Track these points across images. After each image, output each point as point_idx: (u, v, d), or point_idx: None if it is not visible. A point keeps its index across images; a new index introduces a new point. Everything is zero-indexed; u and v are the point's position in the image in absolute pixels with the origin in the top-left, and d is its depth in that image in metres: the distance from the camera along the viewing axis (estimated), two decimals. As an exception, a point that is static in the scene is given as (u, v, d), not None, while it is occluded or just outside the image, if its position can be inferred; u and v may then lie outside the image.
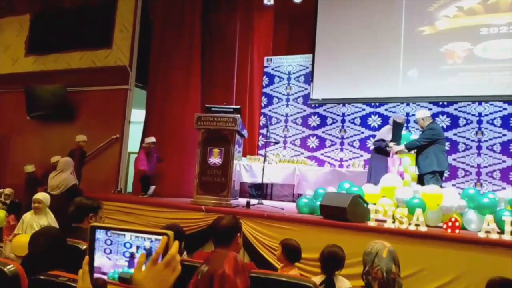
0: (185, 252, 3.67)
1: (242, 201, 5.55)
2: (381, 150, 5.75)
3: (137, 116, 7.87)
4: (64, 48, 8.40)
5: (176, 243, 0.94)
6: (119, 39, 7.97)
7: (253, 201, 5.71)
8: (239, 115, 5.35)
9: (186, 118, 6.79)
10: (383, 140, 5.77)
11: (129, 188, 7.32)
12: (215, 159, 5.26)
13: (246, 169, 7.19)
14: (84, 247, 2.52)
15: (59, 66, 8.43)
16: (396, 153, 5.64)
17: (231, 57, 8.10)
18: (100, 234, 1.04)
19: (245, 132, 5.99)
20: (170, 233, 0.95)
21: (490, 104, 6.91)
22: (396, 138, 5.77)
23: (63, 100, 7.92)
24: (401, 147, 5.56)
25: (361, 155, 7.67)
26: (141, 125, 7.54)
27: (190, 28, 7.55)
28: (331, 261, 3.03)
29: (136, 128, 7.69)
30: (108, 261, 1.03)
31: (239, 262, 1.94)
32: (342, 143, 7.94)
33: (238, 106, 5.86)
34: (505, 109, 6.83)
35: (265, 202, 6.06)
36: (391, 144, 5.67)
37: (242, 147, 6.32)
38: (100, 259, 1.04)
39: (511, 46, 6.49)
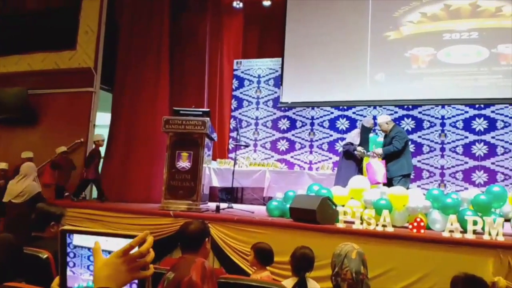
0: None
1: (212, 205, 5.49)
2: (350, 154, 5.82)
3: (103, 119, 7.66)
4: (25, 49, 8.08)
5: (149, 241, 0.88)
6: (83, 40, 7.74)
7: (223, 205, 5.66)
8: (208, 118, 5.29)
9: (155, 121, 6.66)
10: (352, 144, 5.85)
11: (94, 194, 7.09)
12: (184, 163, 5.17)
13: (216, 173, 7.13)
14: (45, 256, 2.41)
15: (20, 68, 8.10)
16: (375, 156, 5.59)
17: (201, 59, 8.04)
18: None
19: (214, 135, 5.93)
20: (146, 232, 0.91)
21: (453, 107, 7.17)
22: (363, 141, 5.86)
23: (25, 103, 7.60)
24: (380, 150, 5.56)
25: (330, 158, 7.78)
26: (107, 128, 7.33)
27: (158, 30, 7.44)
28: (303, 263, 3.03)
29: (101, 131, 7.46)
30: (72, 274, 0.99)
31: (207, 268, 1.89)
32: (311, 146, 8.02)
33: (207, 109, 5.80)
34: (466, 112, 7.09)
35: (236, 206, 6.02)
36: (359, 148, 5.75)
37: (212, 151, 6.26)
38: None
39: (472, 52, 6.77)
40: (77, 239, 0.98)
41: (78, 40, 7.78)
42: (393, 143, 5.38)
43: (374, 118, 7.33)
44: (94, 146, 6.58)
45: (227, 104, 8.57)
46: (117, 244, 0.91)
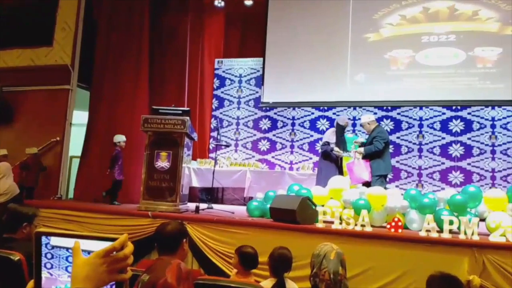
0: None
1: (192, 206, 5.43)
2: (328, 154, 5.84)
3: (79, 118, 7.50)
4: (0, 45, 7.85)
5: (130, 246, 0.85)
6: (60, 37, 7.57)
7: (203, 205, 5.61)
8: (188, 117, 5.22)
9: (133, 120, 6.56)
10: (328, 143, 5.88)
11: (71, 194, 6.95)
12: (163, 163, 5.10)
13: (196, 173, 7.07)
14: (17, 258, 2.33)
15: (-5, 64, 7.88)
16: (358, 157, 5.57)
17: (182, 58, 7.96)
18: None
19: (195, 135, 5.87)
20: (126, 235, 0.88)
21: (430, 109, 7.29)
22: (339, 140, 5.88)
23: (0, 101, 7.39)
24: (361, 149, 5.58)
25: (310, 158, 7.81)
26: (84, 127, 7.19)
27: (138, 28, 7.33)
28: (282, 263, 3.01)
29: (78, 130, 7.32)
30: (49, 276, 0.94)
31: (183, 270, 1.86)
32: (292, 146, 8.04)
33: (187, 108, 5.73)
34: (443, 113, 7.23)
35: (216, 206, 5.98)
36: (336, 148, 5.78)
37: (192, 150, 6.20)
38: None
39: (449, 54, 6.90)
40: (55, 239, 0.93)
41: (55, 37, 7.62)
42: (374, 143, 5.40)
43: (354, 119, 7.41)
44: (115, 147, 6.29)
45: (208, 103, 8.51)
46: (95, 247, 0.87)
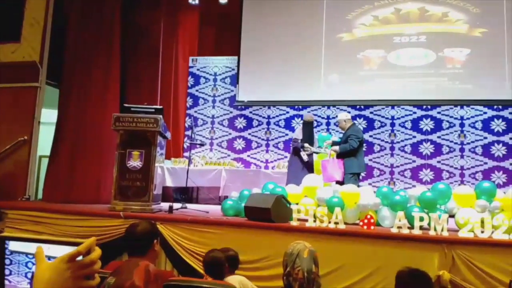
0: None
1: (165, 205, 5.34)
2: (298, 150, 5.89)
3: (48, 116, 7.26)
4: (-37, 40, 7.51)
5: (98, 250, 0.81)
6: (28, 32, 7.29)
7: (177, 205, 5.53)
8: (161, 116, 5.13)
9: (105, 118, 6.39)
10: (297, 140, 5.93)
11: (40, 195, 6.71)
12: (135, 162, 4.99)
13: (170, 172, 6.97)
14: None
15: (-43, 60, 7.51)
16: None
17: (155, 56, 7.82)
18: None
19: (168, 133, 5.78)
20: (94, 239, 0.84)
21: (402, 108, 7.44)
22: (306, 137, 5.93)
23: (-39, 98, 7.07)
24: (336, 147, 5.59)
25: (286, 157, 7.83)
26: (53, 126, 6.96)
27: (109, 24, 7.15)
28: (217, 265, 2.95)
29: (47, 129, 7.08)
30: (8, 284, 0.90)
31: (151, 271, 1.81)
32: (267, 145, 8.05)
33: (160, 106, 5.64)
34: (415, 112, 7.39)
35: (190, 206, 5.91)
36: (306, 145, 5.82)
37: (166, 149, 6.10)
38: None
39: (420, 54, 7.07)
40: (14, 244, 0.88)
41: (22, 32, 7.32)
42: (349, 142, 5.45)
43: (328, 118, 7.47)
44: None
45: (182, 101, 8.40)
46: (60, 252, 0.83)
